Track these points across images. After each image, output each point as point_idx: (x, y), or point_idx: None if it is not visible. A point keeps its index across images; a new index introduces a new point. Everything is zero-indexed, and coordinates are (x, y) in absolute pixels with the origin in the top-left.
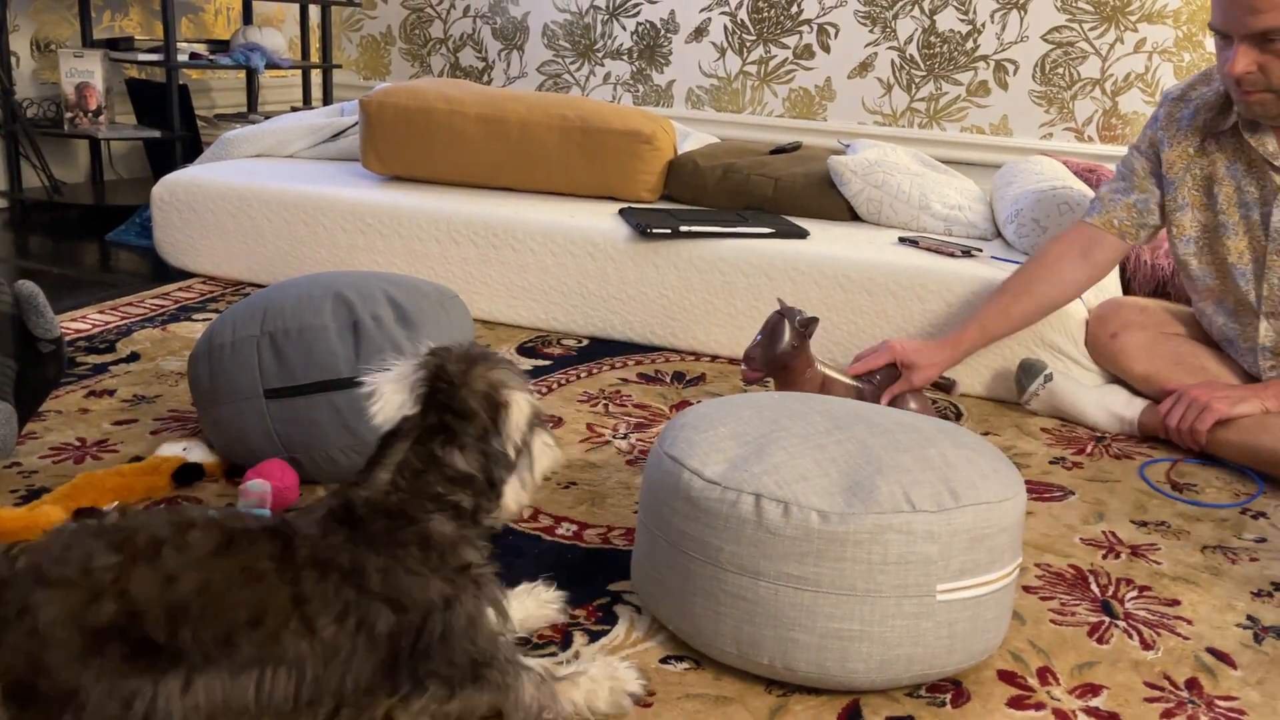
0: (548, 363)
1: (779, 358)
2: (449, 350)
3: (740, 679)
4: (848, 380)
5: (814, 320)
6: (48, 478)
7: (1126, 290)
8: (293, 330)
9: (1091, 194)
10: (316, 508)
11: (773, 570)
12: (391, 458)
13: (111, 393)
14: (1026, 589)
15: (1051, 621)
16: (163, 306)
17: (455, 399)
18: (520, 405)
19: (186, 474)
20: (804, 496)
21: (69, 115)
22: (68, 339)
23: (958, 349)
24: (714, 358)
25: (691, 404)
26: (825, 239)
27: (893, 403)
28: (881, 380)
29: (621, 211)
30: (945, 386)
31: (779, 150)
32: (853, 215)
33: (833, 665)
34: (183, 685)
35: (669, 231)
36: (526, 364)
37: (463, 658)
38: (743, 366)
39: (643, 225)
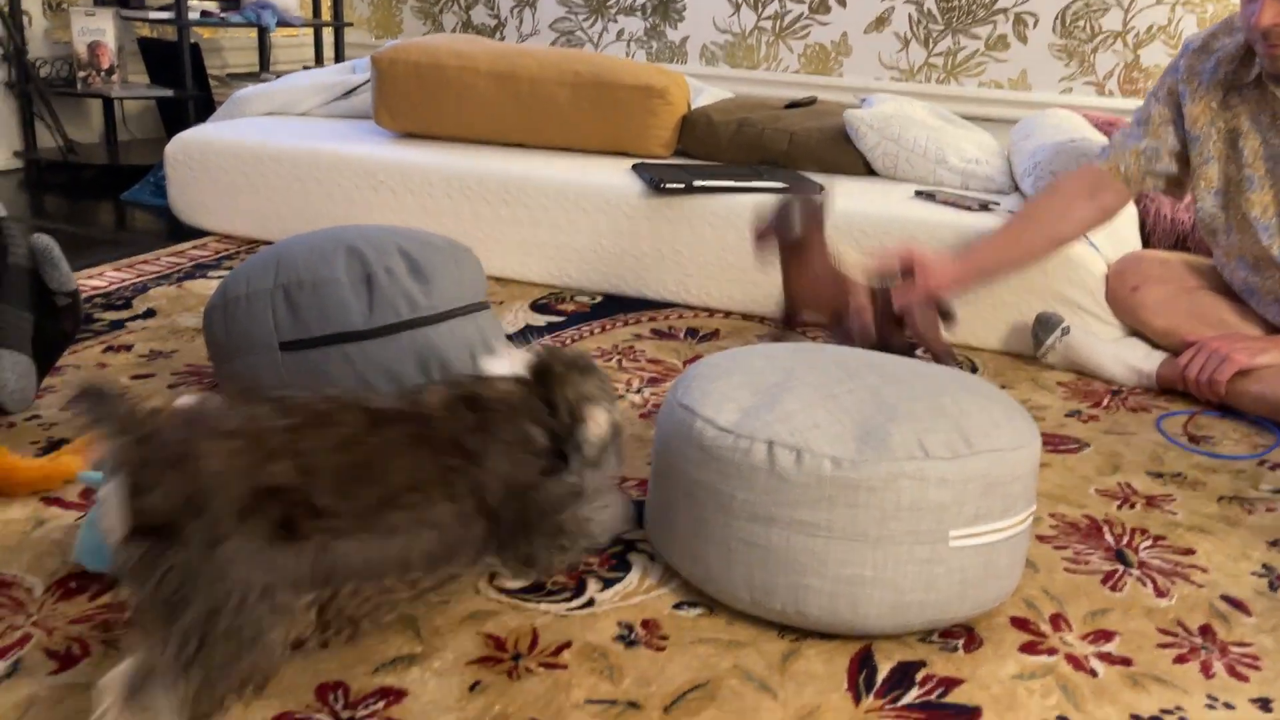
0: (561, 319)
1: (791, 242)
2: (558, 352)
3: (752, 624)
4: (865, 282)
5: (822, 198)
6: (67, 429)
7: (1146, 244)
8: (306, 283)
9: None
10: (435, 391)
11: (785, 517)
12: (511, 375)
13: (129, 348)
14: (1040, 538)
15: (1065, 570)
16: (178, 264)
17: (550, 392)
18: (598, 422)
19: None
20: (817, 444)
21: (82, 75)
22: (85, 296)
23: (968, 265)
24: (727, 313)
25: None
26: (841, 193)
27: (900, 316)
28: (899, 289)
29: (635, 167)
30: (947, 313)
31: (794, 105)
32: (868, 170)
33: (845, 610)
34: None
35: (683, 186)
36: (540, 320)
37: (549, 526)
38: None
39: (656, 180)
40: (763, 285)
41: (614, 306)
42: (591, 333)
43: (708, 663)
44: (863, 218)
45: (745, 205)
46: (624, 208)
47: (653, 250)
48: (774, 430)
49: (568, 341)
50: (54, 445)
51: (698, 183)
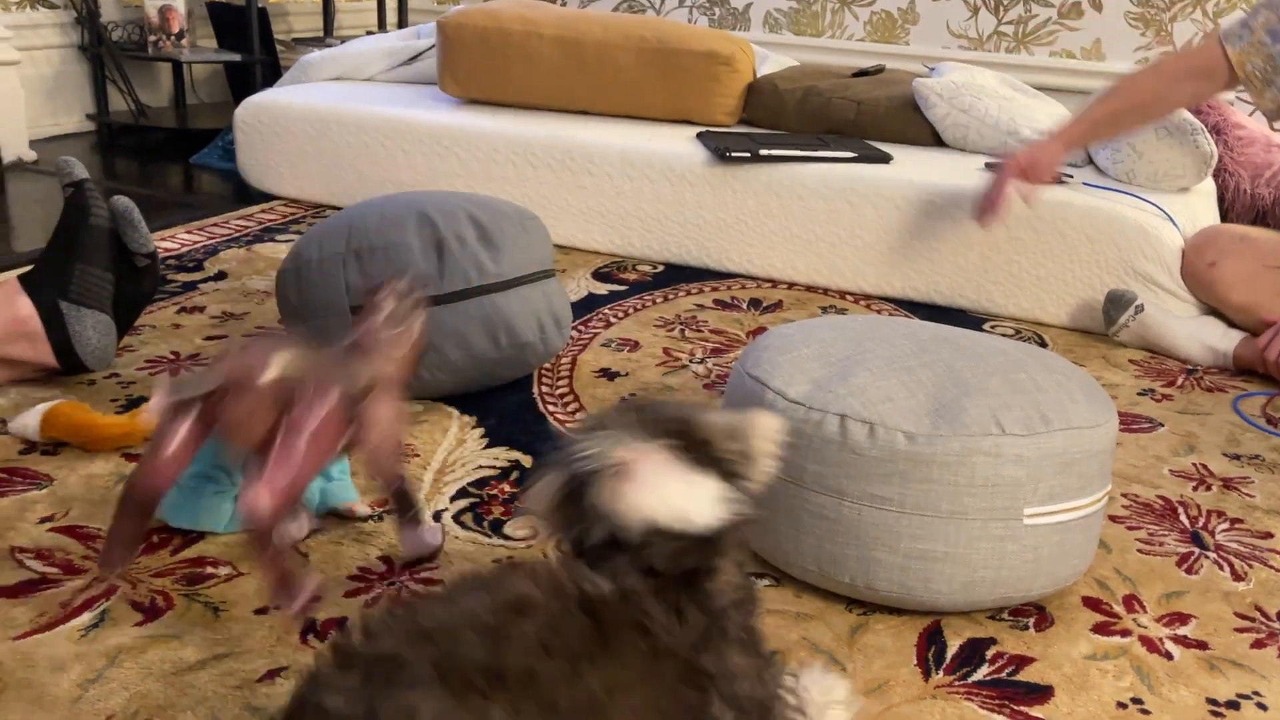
0: (623, 288)
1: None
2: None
3: (820, 597)
4: None
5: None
6: (145, 388)
7: (1224, 219)
8: (378, 248)
9: (1189, 118)
10: (640, 556)
11: (856, 490)
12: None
13: (201, 309)
14: (1113, 518)
15: (1139, 551)
16: (246, 228)
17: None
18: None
19: None
20: (890, 418)
21: (152, 39)
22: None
23: (1066, 139)
24: (790, 285)
25: (768, 329)
26: (909, 163)
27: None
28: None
29: (699, 135)
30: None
31: (861, 73)
32: (936, 140)
33: (915, 585)
34: None
35: (748, 155)
36: (602, 289)
37: None
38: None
39: (721, 148)
40: (827, 256)
41: (676, 276)
42: (654, 302)
43: (776, 633)
44: (932, 188)
45: (811, 175)
46: (688, 176)
47: (716, 220)
48: (846, 403)
49: (629, 312)
50: (133, 403)
51: (763, 151)
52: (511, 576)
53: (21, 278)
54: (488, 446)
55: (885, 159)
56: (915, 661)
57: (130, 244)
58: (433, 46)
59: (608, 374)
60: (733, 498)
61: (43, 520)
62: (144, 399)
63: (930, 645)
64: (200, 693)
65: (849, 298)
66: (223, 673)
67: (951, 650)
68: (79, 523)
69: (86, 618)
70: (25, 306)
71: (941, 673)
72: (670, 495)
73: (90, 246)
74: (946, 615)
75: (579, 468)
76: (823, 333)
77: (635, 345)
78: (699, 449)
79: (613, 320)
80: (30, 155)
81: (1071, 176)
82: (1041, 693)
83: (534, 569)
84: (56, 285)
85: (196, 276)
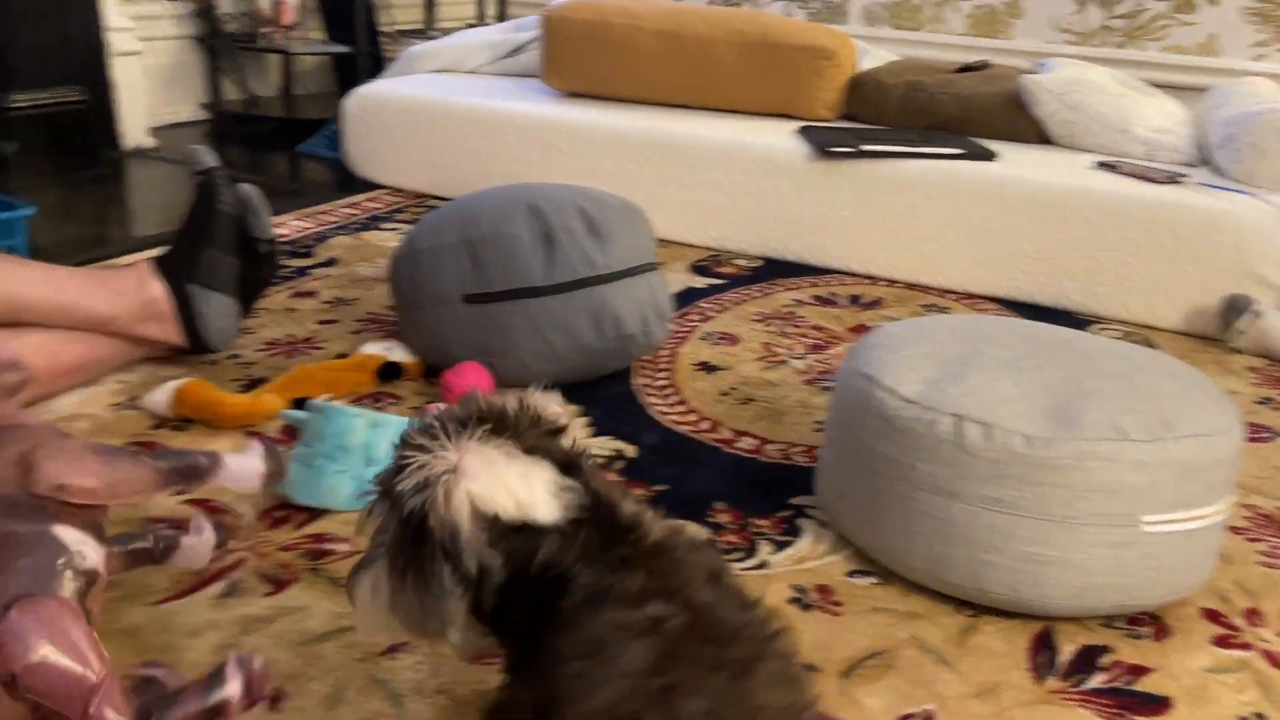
0: (721, 282)
1: None
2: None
3: (929, 597)
4: None
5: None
6: (264, 369)
7: None
8: (489, 238)
9: None
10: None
11: (969, 492)
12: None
13: (314, 294)
14: (1233, 529)
15: (1259, 564)
16: (353, 215)
17: None
18: None
19: (389, 372)
20: (1007, 419)
21: (264, 31)
22: None
23: None
24: (891, 282)
25: (869, 328)
26: (1015, 161)
27: None
28: None
29: (800, 130)
30: None
31: (966, 69)
32: (1042, 138)
33: (1026, 590)
34: None
35: (850, 150)
36: (700, 282)
37: None
38: None
39: (823, 144)
40: (930, 254)
41: (774, 271)
42: (752, 296)
43: (885, 631)
44: (1040, 188)
45: (915, 171)
46: (788, 171)
47: (815, 215)
48: (961, 404)
49: (728, 306)
50: (253, 383)
51: (866, 147)
52: None
53: (154, 260)
54: (593, 436)
55: (990, 156)
56: (1028, 666)
57: (253, 230)
58: (534, 40)
59: (707, 367)
60: (571, 487)
61: (175, 492)
62: (263, 379)
63: (1041, 650)
64: (327, 663)
65: (951, 296)
66: (347, 645)
67: (1063, 656)
68: (207, 496)
69: (219, 587)
70: (157, 288)
71: (1055, 678)
72: (510, 484)
73: (217, 232)
74: (1058, 620)
75: (406, 496)
76: (935, 331)
77: (734, 339)
78: (523, 436)
79: (711, 314)
80: (150, 142)
81: (1187, 176)
82: (1160, 704)
83: None
84: (186, 269)
85: (308, 262)
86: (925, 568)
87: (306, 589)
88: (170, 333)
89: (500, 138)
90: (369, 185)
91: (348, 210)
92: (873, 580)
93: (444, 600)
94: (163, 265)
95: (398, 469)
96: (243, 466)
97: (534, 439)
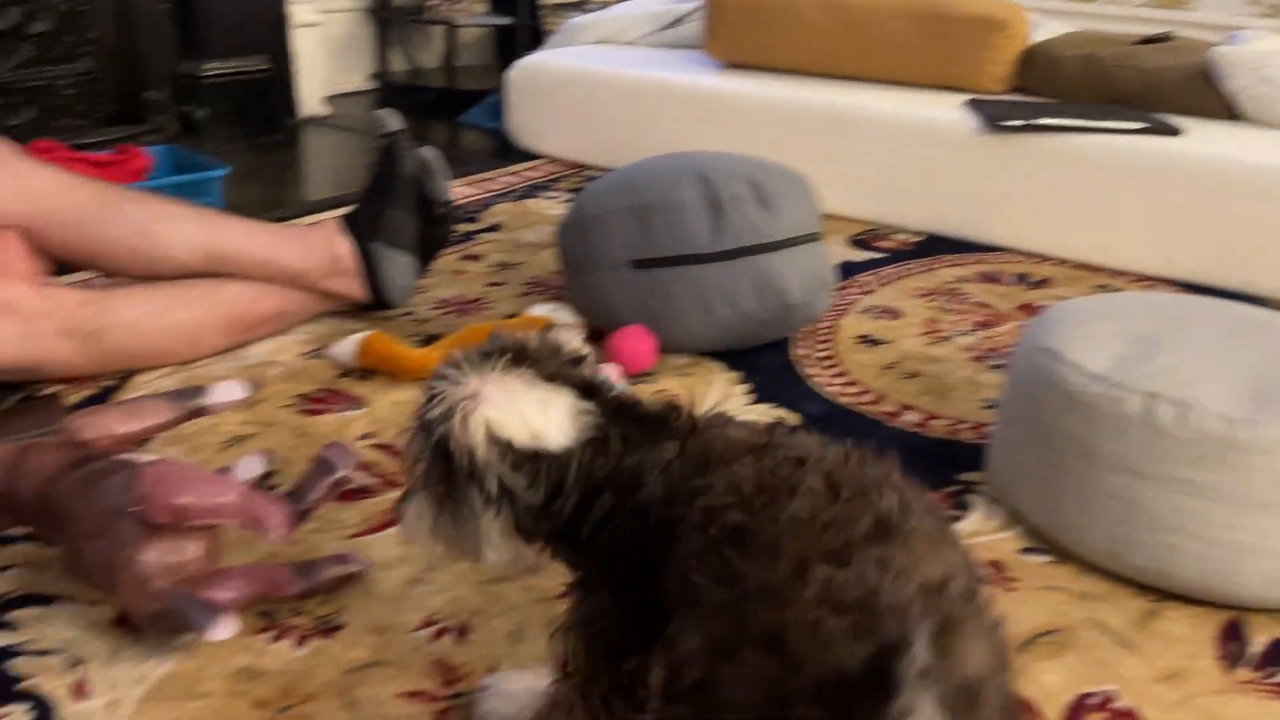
0: (881, 256)
1: None
2: None
3: (1107, 579)
4: None
5: None
6: (436, 326)
7: None
8: (656, 205)
9: None
10: None
11: (1159, 473)
12: None
13: (480, 258)
14: None
15: None
16: (514, 184)
17: None
18: None
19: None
20: (1206, 400)
21: (430, 3)
22: None
23: None
24: (1061, 261)
25: (1037, 307)
26: (1202, 138)
27: None
28: None
29: (969, 102)
30: None
31: (1147, 40)
32: (1231, 114)
33: (1216, 577)
34: None
35: (1024, 124)
36: (860, 256)
37: None
38: None
39: (995, 116)
40: (1103, 234)
41: (937, 246)
42: (913, 272)
43: (1061, 610)
44: (1232, 166)
45: (1092, 146)
46: (955, 144)
47: (982, 190)
48: (1154, 382)
49: (889, 281)
50: (428, 340)
51: (1042, 120)
52: None
53: (342, 218)
54: (754, 403)
55: (1174, 131)
56: (1216, 654)
57: (431, 192)
58: (695, 10)
59: (869, 340)
60: (589, 410)
61: (363, 436)
62: (437, 336)
63: (1230, 639)
64: (508, 602)
65: (1125, 278)
66: (527, 586)
67: (1255, 647)
68: (391, 442)
69: None
70: (344, 245)
71: (1246, 668)
72: (526, 412)
73: (399, 193)
74: (1250, 611)
75: (435, 423)
76: (1123, 308)
77: (896, 314)
78: (544, 365)
79: (871, 288)
80: (324, 110)
81: None
82: None
83: None
84: (370, 227)
85: (473, 227)
86: (1105, 548)
87: None
88: (354, 288)
89: (660, 109)
90: (528, 155)
91: (509, 178)
92: (1047, 559)
93: (475, 522)
94: (348, 223)
95: (428, 399)
96: (227, 388)
97: (554, 367)
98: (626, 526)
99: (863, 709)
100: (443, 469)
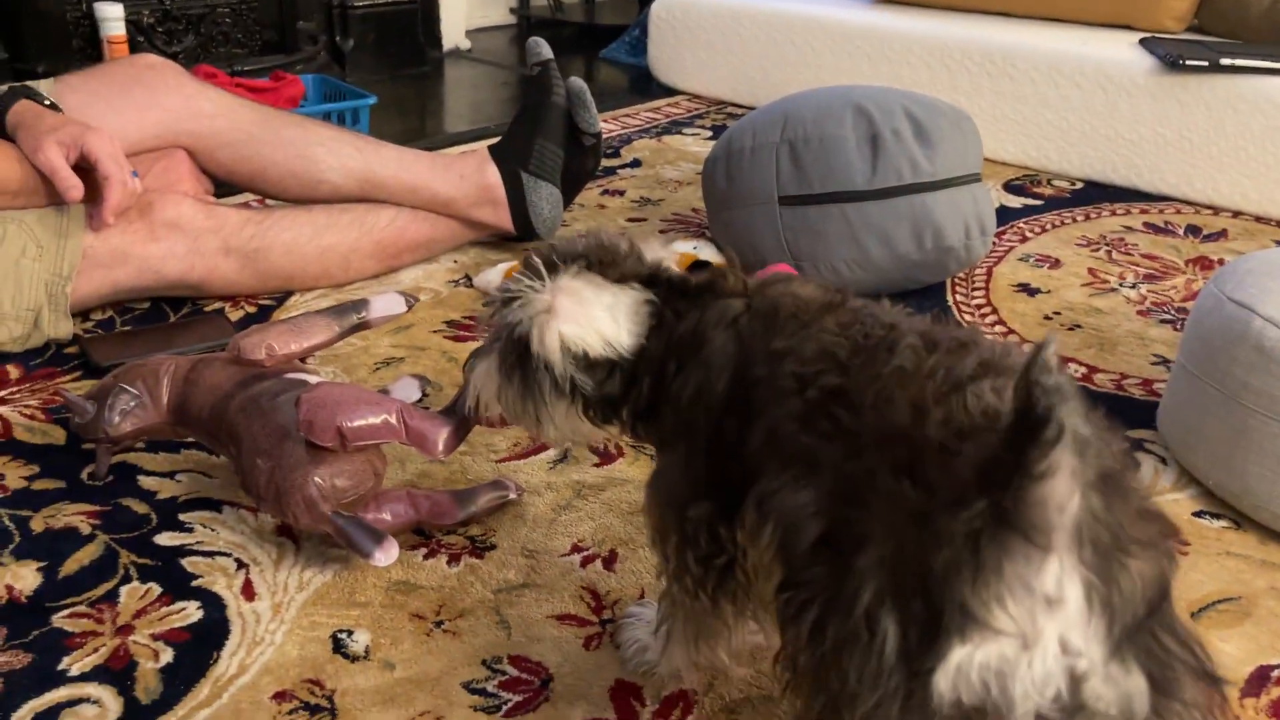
0: (1038, 203)
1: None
2: None
3: None
4: None
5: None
6: None
7: None
8: (813, 139)
9: None
10: None
11: None
12: None
13: (621, 193)
14: None
15: None
16: (655, 120)
17: None
18: None
19: (698, 270)
20: None
21: None
22: None
23: None
24: (1237, 213)
25: (1212, 261)
26: None
27: None
28: None
29: (1143, 41)
30: None
31: None
32: None
33: None
34: None
35: (1206, 64)
36: (1015, 202)
37: None
38: None
39: (1173, 56)
40: None
41: (1097, 194)
42: (1074, 220)
43: (1239, 578)
44: None
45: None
46: (1125, 85)
47: (1153, 135)
48: None
49: (1046, 228)
50: None
51: (1225, 61)
52: None
53: (490, 148)
54: None
55: None
56: None
57: (580, 123)
58: None
59: (1027, 289)
60: (649, 301)
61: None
62: None
63: None
64: None
65: None
66: None
67: None
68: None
69: (553, 453)
70: (493, 175)
71: None
72: (597, 322)
73: (549, 123)
74: None
75: (512, 326)
76: None
77: (1055, 263)
78: (612, 267)
79: (1029, 235)
80: (466, 44)
81: None
82: None
83: None
84: (519, 157)
85: (614, 163)
86: None
87: (630, 464)
88: (502, 218)
89: (808, 45)
90: (670, 91)
91: (649, 114)
92: (1224, 523)
93: (542, 403)
94: (497, 153)
95: (505, 302)
96: (387, 301)
97: (622, 267)
98: (694, 384)
99: (1013, 464)
100: (516, 355)
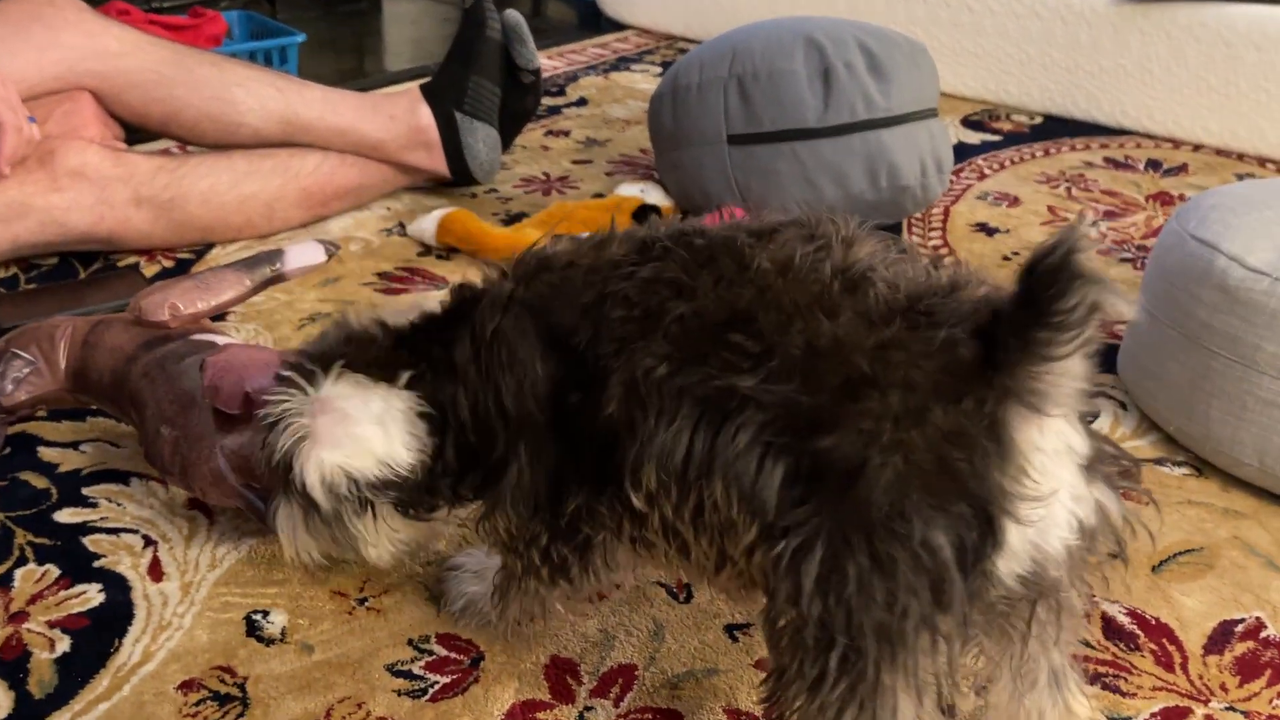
0: (997, 138)
1: None
2: None
3: (1253, 494)
4: None
5: None
6: (521, 204)
7: None
8: (762, 74)
9: None
10: None
11: None
12: None
13: (566, 133)
14: None
15: None
16: (602, 56)
17: None
18: None
19: (645, 214)
20: None
21: None
22: None
23: None
24: (1198, 146)
25: (1174, 197)
26: None
27: None
28: None
29: None
30: None
31: None
32: None
33: None
34: None
35: None
36: (973, 138)
37: None
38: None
39: None
40: (1250, 117)
41: (1058, 129)
42: (1033, 156)
43: (1200, 527)
44: None
45: (1245, 19)
46: (1086, 15)
47: (1114, 67)
48: None
49: (1005, 164)
50: (513, 218)
51: None
52: None
53: (422, 87)
54: None
55: None
56: None
57: (518, 59)
58: None
59: (985, 229)
60: (419, 376)
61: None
62: (522, 215)
63: None
64: None
65: (1271, 166)
66: None
67: None
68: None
69: None
70: (425, 115)
71: None
72: (364, 439)
73: (484, 59)
74: None
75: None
76: None
77: (1014, 200)
78: (375, 361)
79: (987, 172)
80: None
81: None
82: None
83: None
84: (453, 96)
85: (559, 101)
86: (1256, 462)
87: None
88: (436, 162)
89: None
90: (617, 25)
91: (596, 50)
92: (1185, 471)
93: (347, 529)
94: (430, 92)
95: (269, 425)
96: (305, 251)
97: (387, 354)
98: (511, 381)
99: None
100: (299, 490)
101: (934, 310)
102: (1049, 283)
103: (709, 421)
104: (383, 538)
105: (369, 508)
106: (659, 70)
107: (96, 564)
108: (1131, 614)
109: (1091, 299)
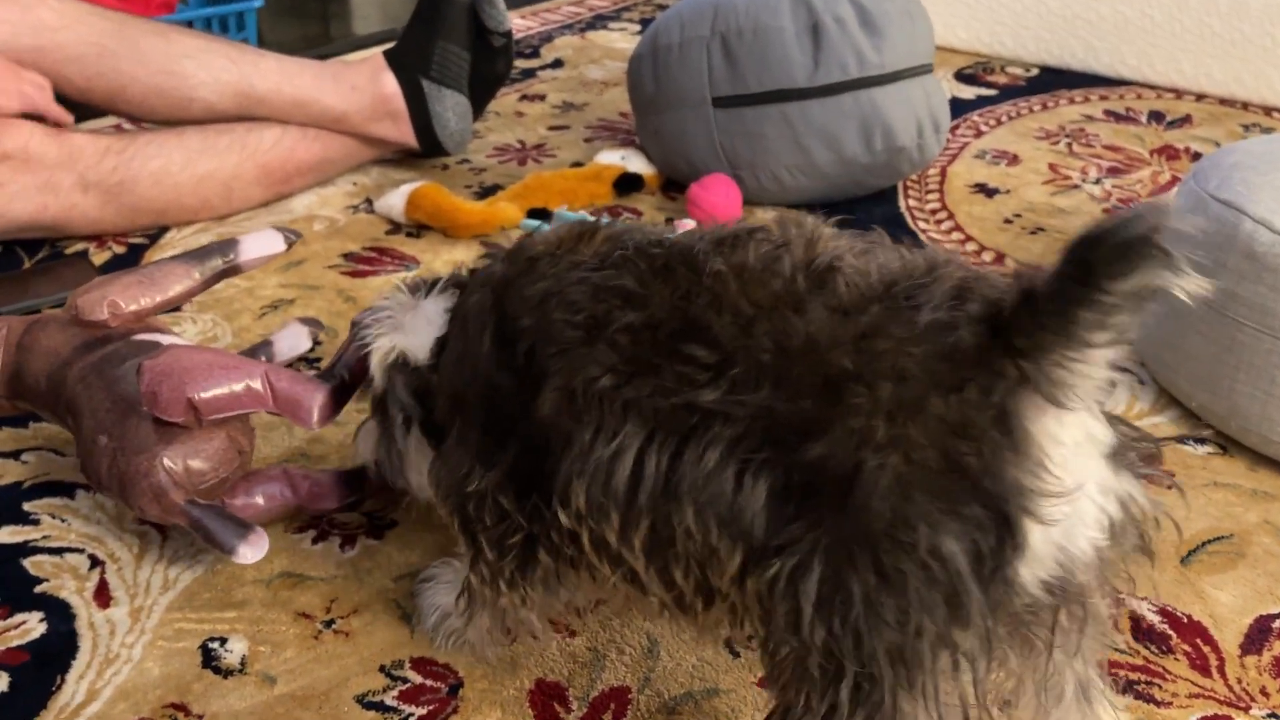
0: (992, 93)
1: None
2: None
3: None
4: None
5: None
6: (496, 176)
7: None
8: (747, 31)
9: None
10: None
11: None
12: None
13: (542, 98)
14: None
15: None
16: (578, 14)
17: None
18: None
19: (627, 183)
20: None
21: None
22: None
23: None
24: (1200, 96)
25: (1178, 150)
26: None
27: None
28: None
29: None
30: None
31: None
32: None
33: None
34: None
35: None
36: (968, 93)
37: None
38: None
39: None
40: (1256, 64)
41: (1055, 81)
42: (1030, 110)
43: (1229, 512)
44: None
45: None
46: None
47: (1112, 14)
48: None
49: (1003, 120)
50: (487, 191)
51: None
52: None
53: (386, 54)
54: None
55: None
56: None
57: (487, 20)
58: None
59: (984, 190)
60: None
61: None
62: (497, 186)
63: None
64: None
65: (1277, 115)
66: None
67: None
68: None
69: None
70: (390, 84)
71: None
72: (418, 329)
73: (450, 22)
74: None
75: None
76: None
77: (1014, 159)
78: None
79: (984, 129)
80: None
81: None
82: None
83: None
84: (419, 63)
85: (534, 64)
86: None
87: None
88: (404, 132)
89: None
90: None
91: (572, 9)
92: (1209, 449)
93: (398, 446)
94: (394, 59)
95: (356, 339)
96: (262, 240)
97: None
98: (456, 352)
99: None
100: (378, 398)
101: (913, 294)
102: (1112, 258)
103: (661, 442)
104: (423, 464)
105: (409, 426)
106: (638, 28)
107: (38, 589)
108: (1162, 612)
109: (1156, 284)
